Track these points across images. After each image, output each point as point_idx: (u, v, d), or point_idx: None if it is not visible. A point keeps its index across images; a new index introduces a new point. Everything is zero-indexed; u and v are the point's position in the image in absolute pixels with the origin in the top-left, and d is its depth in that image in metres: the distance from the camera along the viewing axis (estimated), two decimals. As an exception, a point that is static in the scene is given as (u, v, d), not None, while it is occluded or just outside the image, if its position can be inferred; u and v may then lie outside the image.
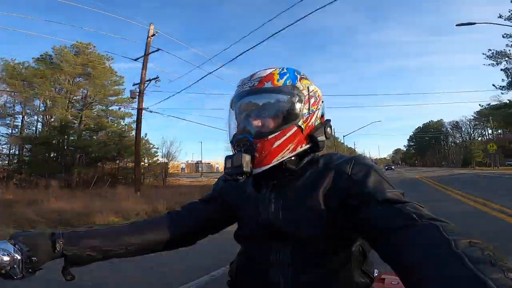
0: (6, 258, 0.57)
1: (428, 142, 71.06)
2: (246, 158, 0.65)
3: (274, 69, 0.73)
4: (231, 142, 0.73)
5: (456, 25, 10.84)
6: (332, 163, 0.69)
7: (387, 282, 1.04)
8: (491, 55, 20.00)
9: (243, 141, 0.68)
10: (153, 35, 12.19)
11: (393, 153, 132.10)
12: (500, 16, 21.27)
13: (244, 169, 0.64)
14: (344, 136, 37.33)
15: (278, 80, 0.70)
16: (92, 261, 0.68)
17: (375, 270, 0.74)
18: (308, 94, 0.72)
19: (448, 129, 65.87)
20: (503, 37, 20.46)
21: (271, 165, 0.67)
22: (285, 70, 0.73)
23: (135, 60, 12.40)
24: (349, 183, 0.63)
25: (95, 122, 20.62)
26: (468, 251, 0.39)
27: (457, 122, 61.87)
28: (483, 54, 20.43)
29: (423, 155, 77.68)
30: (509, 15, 20.79)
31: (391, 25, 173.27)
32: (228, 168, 0.68)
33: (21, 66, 18.57)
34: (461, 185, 11.83)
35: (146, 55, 12.16)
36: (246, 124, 0.71)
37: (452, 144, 66.31)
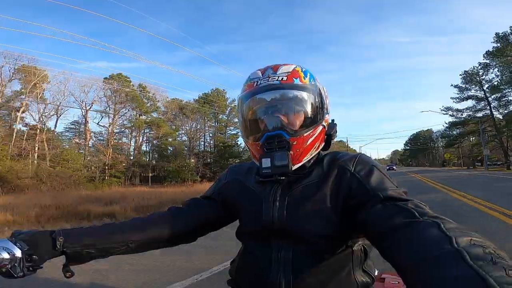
0: (6, 256, 0.56)
1: (420, 147, 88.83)
2: (289, 156, 0.64)
3: (296, 66, 0.71)
4: (257, 139, 0.69)
5: (420, 111, 26.54)
6: (336, 161, 0.68)
7: (387, 281, 1.03)
8: (443, 109, 38.35)
9: (277, 138, 0.65)
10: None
11: (391, 154, 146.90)
12: (452, 84, 39.14)
13: (290, 168, 0.63)
14: (360, 147, 54.44)
15: (304, 78, 0.69)
16: (93, 258, 0.66)
17: (375, 270, 0.73)
18: (325, 94, 0.72)
19: (437, 135, 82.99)
20: (451, 98, 38.64)
21: (302, 163, 0.67)
22: (305, 69, 0.72)
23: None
24: (352, 181, 0.63)
25: (230, 141, 38.54)
26: (469, 249, 0.39)
27: (444, 130, 78.96)
28: (439, 109, 38.89)
29: (415, 157, 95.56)
30: (454, 84, 38.82)
31: (389, 26, 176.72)
32: (267, 168, 0.65)
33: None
34: (420, 173, 29.90)
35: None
36: (275, 120, 0.67)
37: (440, 148, 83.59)
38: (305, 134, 0.66)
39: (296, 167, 0.66)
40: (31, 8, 43.77)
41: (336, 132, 0.74)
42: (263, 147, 0.67)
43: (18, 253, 0.58)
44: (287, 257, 0.65)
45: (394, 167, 54.99)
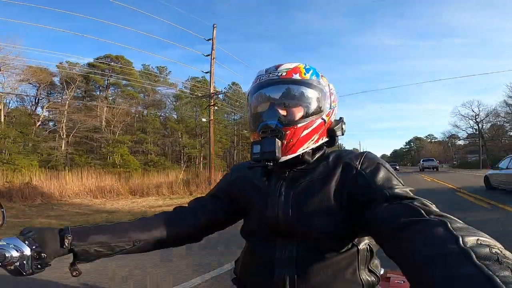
0: (15, 254, 0.56)
1: (399, 156, 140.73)
2: (279, 143, 0.65)
3: (298, 64, 0.73)
4: (255, 129, 0.71)
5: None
6: (342, 159, 0.68)
7: (392, 280, 1.02)
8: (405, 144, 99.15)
9: (270, 128, 0.67)
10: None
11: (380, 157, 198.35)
12: (404, 143, 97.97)
13: (277, 154, 0.63)
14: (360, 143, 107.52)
15: (305, 74, 0.71)
16: (100, 257, 0.67)
17: (381, 269, 0.73)
18: (329, 90, 0.74)
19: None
20: (404, 143, 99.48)
21: (297, 153, 0.67)
22: (308, 66, 0.73)
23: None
24: (358, 178, 0.63)
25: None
26: (476, 248, 0.38)
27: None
28: (403, 145, 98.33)
29: (399, 161, 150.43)
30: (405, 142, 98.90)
31: (379, 29, 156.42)
32: (256, 153, 0.66)
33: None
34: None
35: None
36: (273, 112, 0.69)
37: (417, 156, 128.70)
38: (299, 125, 0.67)
39: (290, 157, 0.67)
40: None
41: (343, 129, 0.76)
42: (259, 136, 0.69)
43: (27, 250, 0.58)
44: (291, 256, 0.65)
45: (397, 166, 49.85)
